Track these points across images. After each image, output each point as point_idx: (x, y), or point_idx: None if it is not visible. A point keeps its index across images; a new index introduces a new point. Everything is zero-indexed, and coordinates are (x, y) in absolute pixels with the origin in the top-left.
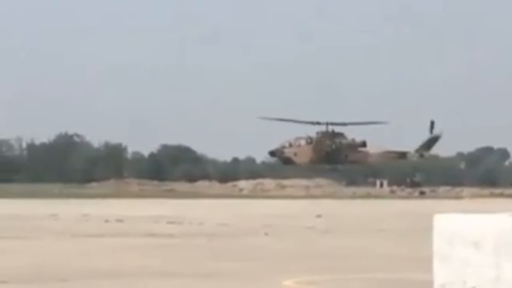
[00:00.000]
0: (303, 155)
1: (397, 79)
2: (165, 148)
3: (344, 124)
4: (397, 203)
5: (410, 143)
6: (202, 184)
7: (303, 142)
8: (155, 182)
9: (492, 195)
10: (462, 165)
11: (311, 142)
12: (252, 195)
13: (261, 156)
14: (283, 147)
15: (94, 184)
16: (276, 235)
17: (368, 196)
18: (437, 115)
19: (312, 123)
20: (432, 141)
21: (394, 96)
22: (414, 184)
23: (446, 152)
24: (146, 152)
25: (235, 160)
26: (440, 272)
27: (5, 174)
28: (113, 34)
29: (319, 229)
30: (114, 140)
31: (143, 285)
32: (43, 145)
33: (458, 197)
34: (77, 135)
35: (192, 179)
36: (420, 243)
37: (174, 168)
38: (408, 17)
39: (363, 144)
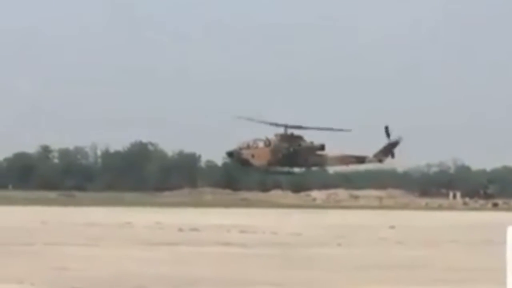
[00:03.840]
0: (261, 157)
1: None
2: None
3: (300, 127)
4: (470, 214)
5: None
6: (275, 194)
7: (261, 144)
8: (229, 191)
9: None
10: None
11: (269, 144)
12: (325, 205)
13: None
14: (241, 148)
15: (168, 192)
16: (349, 246)
17: (441, 207)
18: (504, 125)
19: (272, 124)
20: (391, 147)
21: None
22: (487, 196)
23: None
24: (219, 161)
25: (308, 170)
26: None
27: (80, 181)
28: (189, 42)
29: (392, 240)
30: (188, 149)
31: None
32: (117, 153)
33: None
34: (151, 144)
35: (265, 188)
36: (493, 255)
37: (247, 178)
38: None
39: (322, 147)
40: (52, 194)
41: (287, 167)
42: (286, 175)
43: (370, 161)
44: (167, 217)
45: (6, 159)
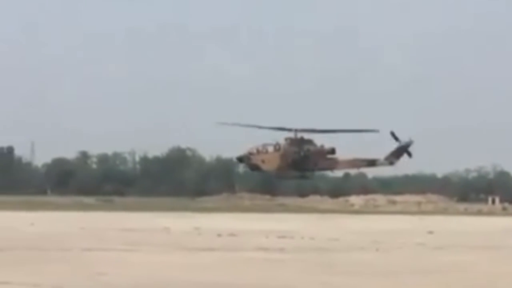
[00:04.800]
0: (271, 162)
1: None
2: None
3: (313, 130)
4: (509, 220)
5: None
6: (313, 199)
7: (271, 148)
8: (267, 197)
9: None
10: None
11: (279, 149)
12: (364, 211)
13: (372, 171)
14: (251, 153)
15: (206, 197)
16: (386, 251)
17: (479, 212)
18: None
19: (280, 129)
20: (402, 149)
21: None
22: None
23: None
24: None
25: (347, 175)
26: None
27: (119, 187)
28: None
29: (430, 246)
30: (225, 154)
31: None
32: (156, 159)
33: None
34: (190, 149)
35: (303, 193)
36: None
37: (285, 183)
38: None
39: (332, 151)
40: (91, 200)
41: (297, 171)
42: (299, 179)
43: (381, 164)
44: (205, 222)
45: (44, 165)
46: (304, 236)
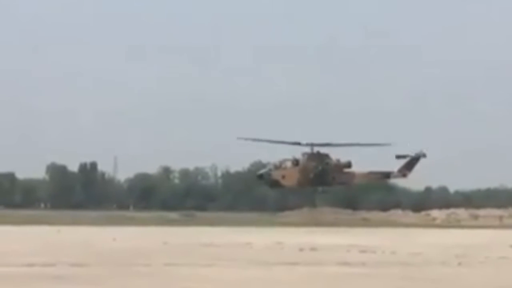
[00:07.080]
0: (291, 178)
1: None
2: None
3: (326, 145)
4: None
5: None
6: (395, 213)
7: (289, 164)
8: (349, 211)
9: None
10: None
11: (297, 164)
12: (445, 225)
13: (454, 185)
14: (270, 169)
15: (287, 212)
16: (469, 265)
17: None
18: None
19: (294, 143)
20: (414, 161)
21: None
22: None
23: None
24: None
25: (428, 189)
26: None
27: (201, 202)
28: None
29: None
30: None
31: None
32: (237, 174)
33: None
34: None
35: (385, 208)
36: None
37: (367, 197)
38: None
39: (349, 164)
40: (173, 215)
41: (316, 186)
42: (320, 193)
43: (395, 177)
44: (287, 237)
45: (127, 180)
46: (385, 250)
